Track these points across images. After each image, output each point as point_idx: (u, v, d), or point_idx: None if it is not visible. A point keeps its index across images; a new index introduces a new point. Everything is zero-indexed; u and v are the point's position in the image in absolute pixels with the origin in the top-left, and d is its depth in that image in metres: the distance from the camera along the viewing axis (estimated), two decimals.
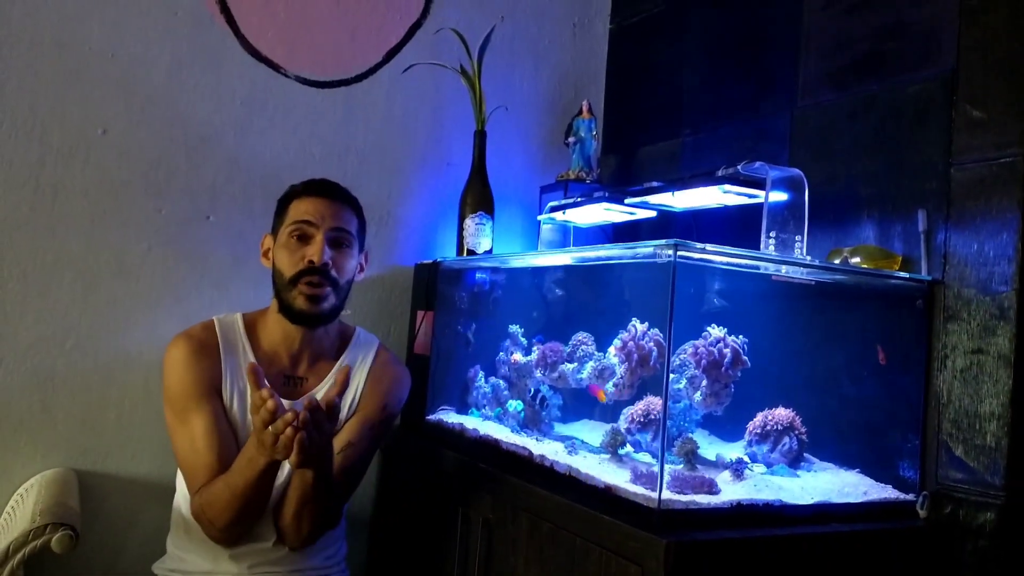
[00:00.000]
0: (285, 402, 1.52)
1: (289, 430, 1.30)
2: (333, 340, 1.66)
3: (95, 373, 1.81)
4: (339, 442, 1.56)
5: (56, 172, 1.78)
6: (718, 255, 1.33)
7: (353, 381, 1.63)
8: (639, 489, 1.25)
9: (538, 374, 1.71)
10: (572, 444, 1.51)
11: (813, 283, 1.58)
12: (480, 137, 1.99)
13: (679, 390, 1.48)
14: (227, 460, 1.49)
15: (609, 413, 1.67)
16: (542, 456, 1.47)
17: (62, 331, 1.78)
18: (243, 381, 1.56)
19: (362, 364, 1.66)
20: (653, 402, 1.48)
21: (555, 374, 1.68)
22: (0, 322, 1.73)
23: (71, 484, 1.69)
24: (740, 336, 1.46)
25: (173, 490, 1.66)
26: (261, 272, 1.88)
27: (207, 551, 1.54)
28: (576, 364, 1.66)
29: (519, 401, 1.72)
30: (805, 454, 1.50)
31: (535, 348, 1.74)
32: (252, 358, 1.58)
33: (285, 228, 1.58)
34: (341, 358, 1.64)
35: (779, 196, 1.48)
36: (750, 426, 1.51)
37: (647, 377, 1.50)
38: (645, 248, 1.31)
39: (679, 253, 1.24)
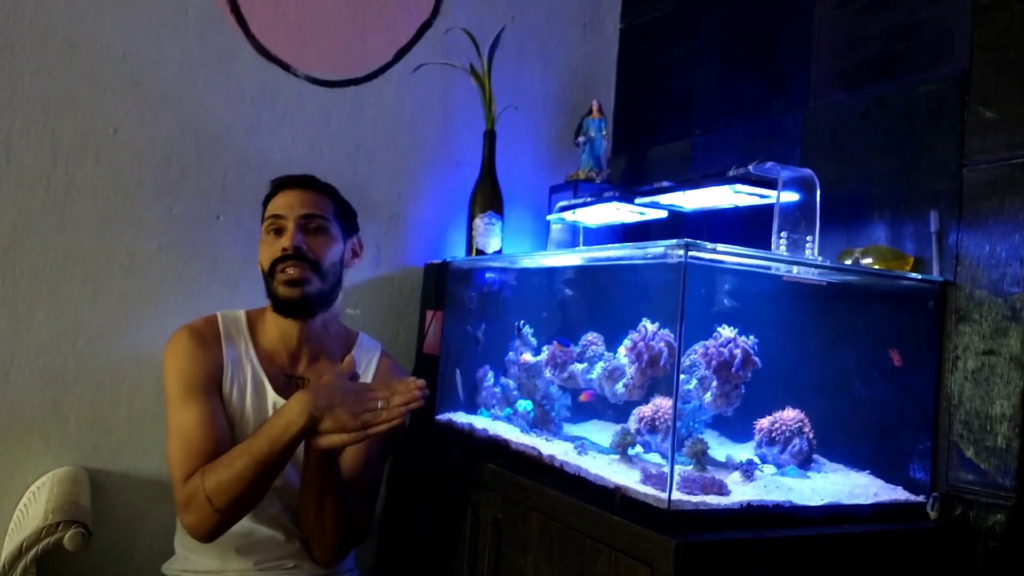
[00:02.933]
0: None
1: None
2: (334, 341, 1.66)
3: (106, 371, 1.82)
4: (357, 463, 1.57)
5: (67, 171, 1.78)
6: (729, 255, 1.33)
7: None
8: (649, 490, 1.25)
9: (547, 374, 1.71)
10: (581, 444, 1.51)
11: (824, 284, 1.57)
12: (490, 137, 1.99)
13: (689, 391, 1.48)
14: (223, 451, 1.45)
15: (619, 414, 1.67)
16: (552, 456, 1.47)
17: (73, 329, 1.79)
18: (243, 376, 1.57)
19: (366, 371, 1.67)
20: (662, 403, 1.48)
21: (565, 374, 1.68)
22: (11, 321, 1.74)
23: (82, 482, 1.70)
24: (751, 337, 1.46)
25: None
26: None
27: (214, 550, 1.53)
28: (586, 364, 1.66)
29: (529, 401, 1.72)
30: (815, 455, 1.50)
31: (545, 349, 1.74)
32: (254, 354, 1.59)
33: (263, 226, 1.62)
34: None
35: (790, 196, 1.48)
36: (758, 427, 1.51)
37: (657, 378, 1.50)
38: (656, 248, 1.31)
39: (690, 253, 1.24)
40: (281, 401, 1.56)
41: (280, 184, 1.64)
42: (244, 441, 1.42)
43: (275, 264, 1.56)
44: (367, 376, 1.67)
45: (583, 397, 1.63)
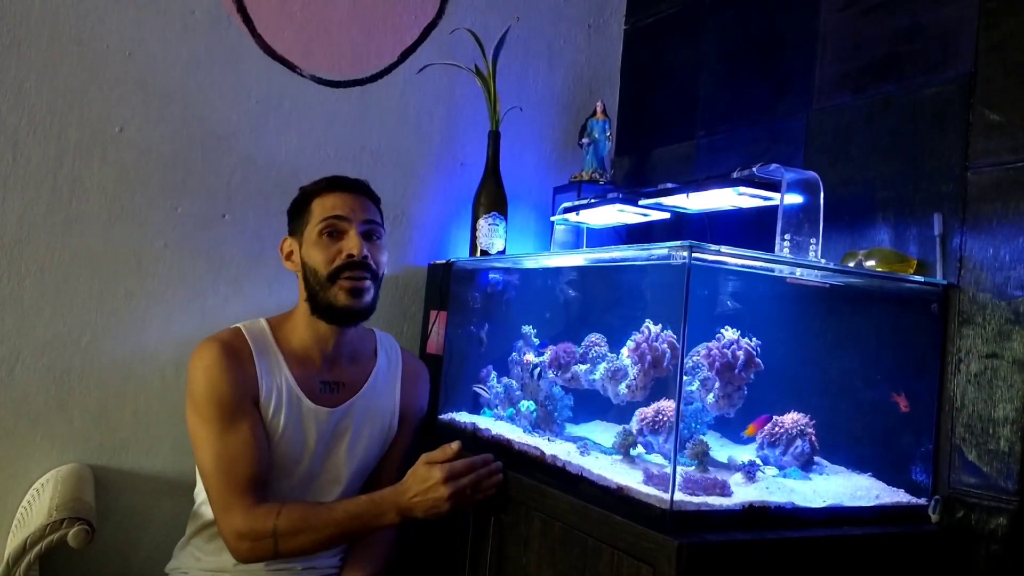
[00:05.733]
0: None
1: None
2: (361, 340, 1.67)
3: (111, 370, 1.82)
4: (398, 456, 1.67)
5: (74, 169, 1.79)
6: (732, 257, 1.33)
7: (394, 388, 1.67)
8: (651, 490, 1.25)
9: (550, 375, 1.72)
10: (584, 445, 1.51)
11: (827, 286, 1.58)
12: (494, 137, 2.00)
13: (692, 392, 1.48)
14: (265, 474, 1.46)
15: (621, 414, 1.67)
16: (554, 456, 1.47)
17: (79, 328, 1.80)
18: (278, 388, 1.54)
19: (394, 370, 1.68)
20: (665, 404, 1.48)
21: (568, 375, 1.69)
22: (17, 318, 1.75)
23: (86, 480, 1.71)
24: (753, 338, 1.46)
25: (188, 486, 1.67)
26: (276, 271, 1.90)
27: (222, 551, 1.54)
28: (589, 365, 1.66)
29: (531, 401, 1.73)
30: (817, 457, 1.50)
31: (548, 350, 1.74)
32: (284, 365, 1.56)
33: (314, 226, 1.54)
34: (376, 363, 1.67)
35: (794, 198, 1.48)
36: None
37: (660, 379, 1.50)
38: (659, 249, 1.31)
39: (693, 255, 1.24)
40: (321, 410, 1.56)
41: (334, 184, 1.59)
42: (334, 509, 1.45)
43: (339, 270, 1.52)
44: (396, 371, 1.69)
45: (750, 430, 1.52)
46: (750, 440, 1.55)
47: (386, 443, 1.66)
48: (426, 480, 1.42)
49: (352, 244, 1.53)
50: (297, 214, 1.60)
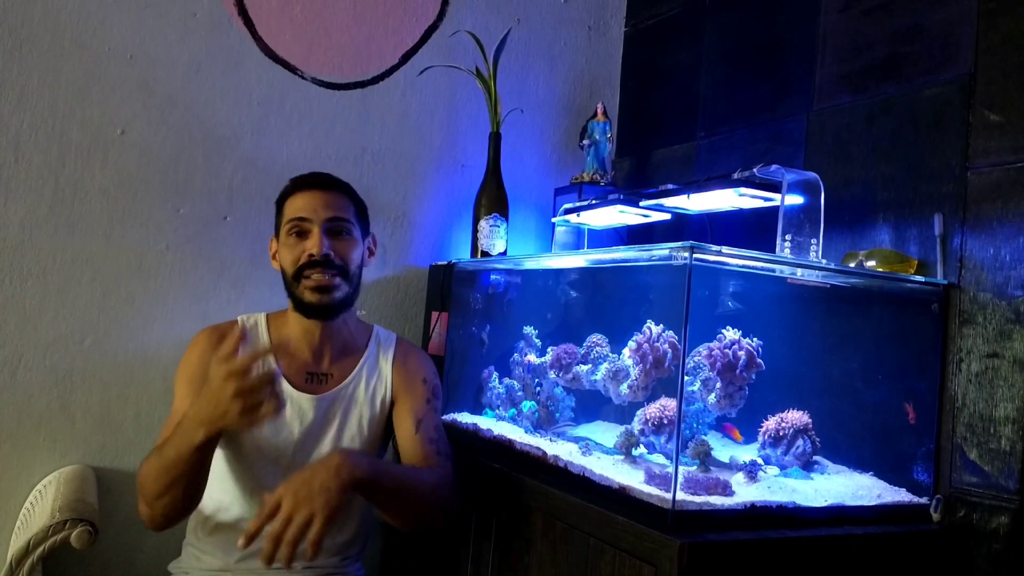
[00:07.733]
0: (307, 397, 1.55)
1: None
2: (355, 334, 1.67)
3: (113, 371, 1.83)
4: (408, 428, 1.58)
5: (76, 171, 1.80)
6: (733, 258, 1.34)
7: (384, 373, 1.65)
8: (653, 490, 1.25)
9: (552, 375, 1.72)
10: (586, 445, 1.52)
11: (828, 286, 1.58)
12: (495, 139, 2.00)
13: (693, 392, 1.49)
14: None
15: (622, 414, 1.68)
16: (556, 456, 1.48)
17: (81, 329, 1.80)
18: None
19: (385, 356, 1.67)
20: (667, 404, 1.48)
21: (569, 375, 1.69)
22: (20, 320, 1.75)
23: (89, 481, 1.71)
24: (755, 338, 1.46)
25: None
26: (277, 272, 1.90)
27: (223, 549, 1.54)
28: (590, 366, 1.67)
29: (533, 402, 1.73)
30: (818, 457, 1.50)
31: (549, 350, 1.74)
32: (271, 356, 1.57)
33: (283, 227, 1.58)
34: (366, 353, 1.65)
35: (795, 199, 1.49)
36: (763, 428, 1.52)
37: (661, 379, 1.51)
38: (660, 250, 1.31)
39: (694, 255, 1.24)
40: (304, 397, 1.57)
41: (300, 183, 1.60)
42: (163, 439, 1.40)
43: (301, 269, 1.55)
44: (388, 362, 1.67)
45: (737, 436, 1.55)
46: (752, 440, 1.55)
47: (376, 432, 1.64)
48: (211, 380, 1.31)
49: (312, 244, 1.54)
50: (276, 214, 1.64)
